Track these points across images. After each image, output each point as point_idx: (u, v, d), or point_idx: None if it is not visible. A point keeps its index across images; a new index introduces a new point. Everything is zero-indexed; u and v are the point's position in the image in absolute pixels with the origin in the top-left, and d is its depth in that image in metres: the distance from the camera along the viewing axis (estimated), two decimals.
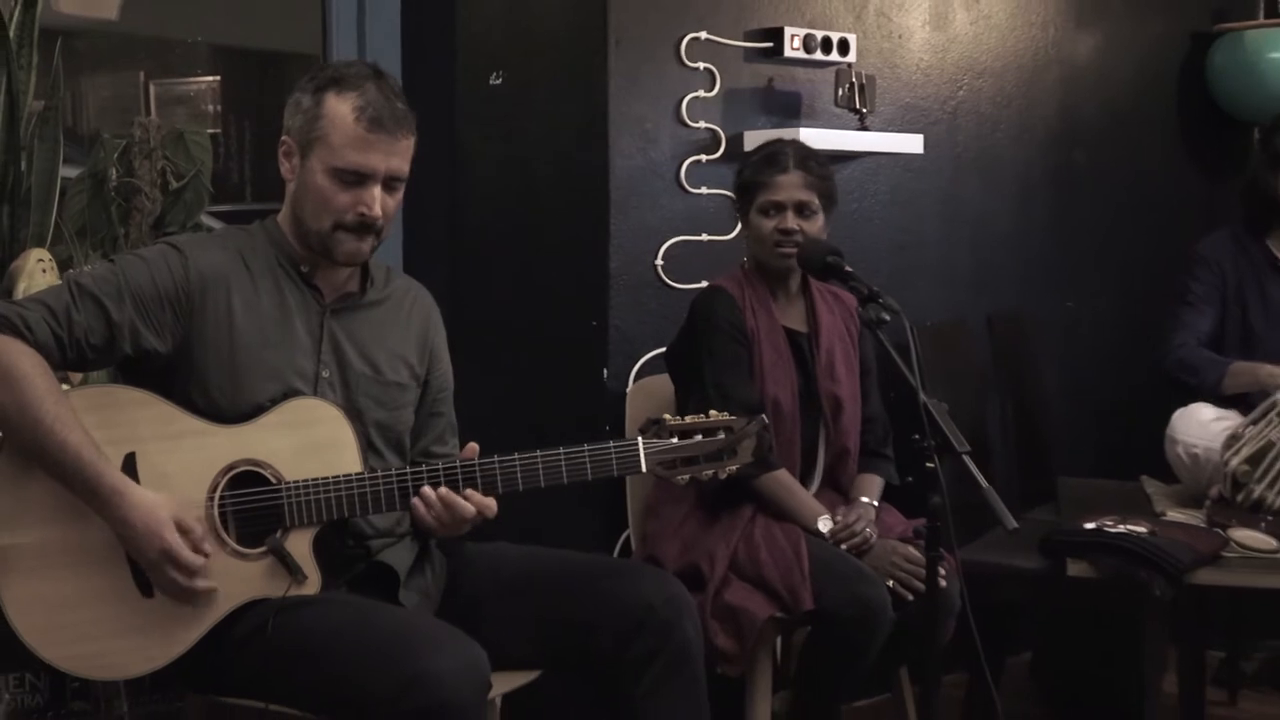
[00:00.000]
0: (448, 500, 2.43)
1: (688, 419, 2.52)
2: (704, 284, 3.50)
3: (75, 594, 2.35)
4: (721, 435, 2.50)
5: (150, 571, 2.34)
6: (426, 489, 2.43)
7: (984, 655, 2.74)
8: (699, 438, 2.50)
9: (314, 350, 2.52)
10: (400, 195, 2.53)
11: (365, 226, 2.47)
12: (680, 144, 3.64)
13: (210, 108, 3.84)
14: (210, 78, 3.86)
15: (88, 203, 3.16)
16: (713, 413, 2.54)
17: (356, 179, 2.45)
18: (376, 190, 2.46)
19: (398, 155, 2.48)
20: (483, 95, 3.73)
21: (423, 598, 2.59)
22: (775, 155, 3.22)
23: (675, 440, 2.49)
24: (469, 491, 2.44)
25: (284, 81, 4.02)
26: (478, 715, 2.34)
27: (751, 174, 3.24)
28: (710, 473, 2.51)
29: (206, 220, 3.27)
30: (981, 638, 2.69)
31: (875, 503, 3.25)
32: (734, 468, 2.52)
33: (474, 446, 2.48)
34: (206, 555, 2.34)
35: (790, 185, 3.18)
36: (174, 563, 2.31)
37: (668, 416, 2.53)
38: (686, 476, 2.50)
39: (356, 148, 2.44)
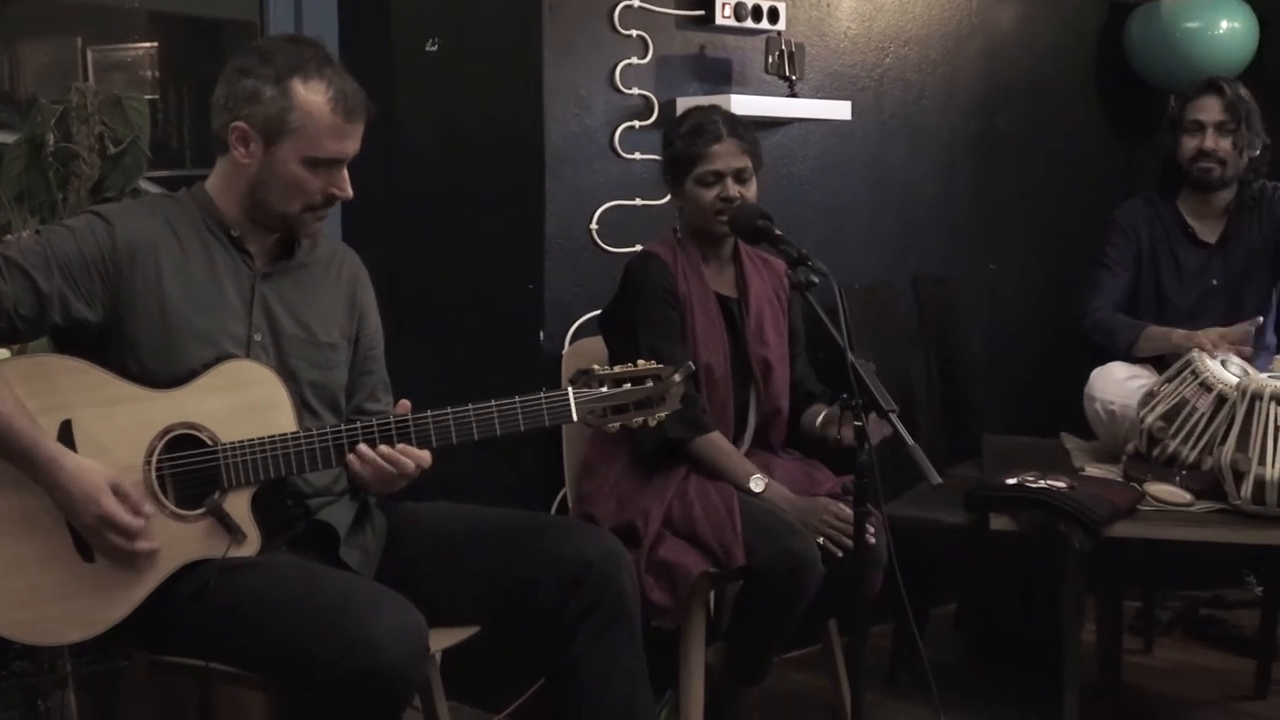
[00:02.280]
0: (387, 455, 2.45)
1: (616, 368, 2.55)
2: (638, 248, 3.53)
3: (15, 561, 2.35)
4: (649, 383, 2.54)
5: (90, 537, 2.35)
6: (362, 447, 2.45)
7: (910, 607, 2.81)
8: (628, 386, 2.54)
9: (245, 314, 2.54)
10: None
11: (329, 204, 2.54)
12: (614, 110, 3.66)
13: (148, 73, 3.80)
14: (148, 44, 3.81)
15: (25, 168, 3.14)
16: (640, 362, 2.57)
17: (330, 164, 2.49)
18: (345, 171, 2.52)
19: (360, 137, 2.54)
20: (418, 62, 3.75)
21: (363, 556, 2.61)
22: (707, 125, 3.22)
23: (605, 389, 2.53)
24: (402, 445, 2.47)
25: (222, 48, 4.01)
26: (416, 677, 2.38)
27: (686, 146, 3.22)
28: (640, 420, 2.54)
29: (146, 185, 3.25)
30: (907, 590, 2.75)
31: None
32: (663, 414, 2.56)
33: (406, 403, 2.52)
34: (146, 517, 2.36)
35: (727, 153, 3.19)
36: (112, 527, 2.33)
37: (597, 367, 2.56)
38: (617, 424, 2.53)
39: (335, 137, 2.48)
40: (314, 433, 2.46)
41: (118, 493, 2.34)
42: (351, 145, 2.52)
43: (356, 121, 2.50)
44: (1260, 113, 3.84)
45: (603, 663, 2.61)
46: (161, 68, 3.82)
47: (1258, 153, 3.84)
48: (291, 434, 2.45)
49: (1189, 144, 3.83)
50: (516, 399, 2.52)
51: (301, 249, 2.64)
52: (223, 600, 2.38)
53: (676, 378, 2.54)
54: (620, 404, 2.53)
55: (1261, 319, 3.62)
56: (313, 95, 2.46)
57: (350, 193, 2.53)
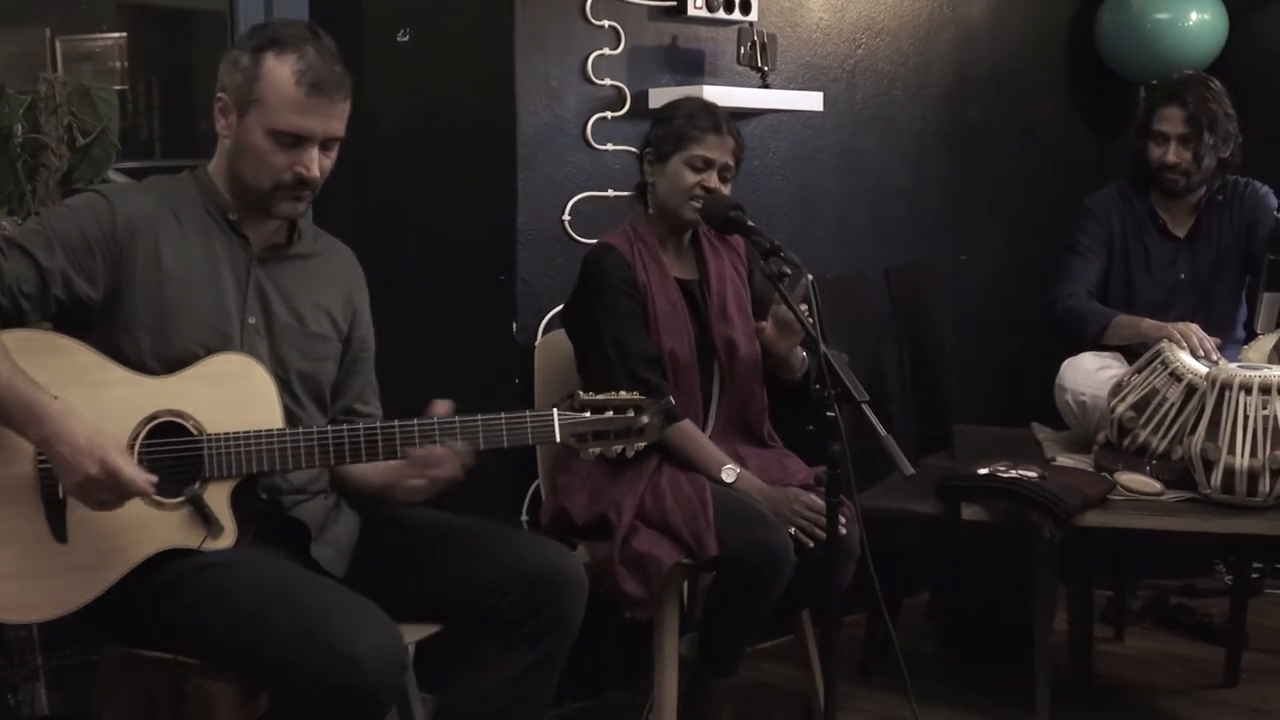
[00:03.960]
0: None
1: (600, 396, 2.56)
2: None
3: None
4: (632, 413, 2.54)
5: (82, 486, 2.28)
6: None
7: (882, 597, 2.82)
8: (610, 414, 2.54)
9: (240, 298, 2.53)
10: (335, 154, 2.53)
11: (302, 185, 2.49)
12: (586, 101, 3.65)
13: (117, 64, 3.78)
14: (117, 34, 3.80)
15: None
16: (624, 392, 2.58)
17: (294, 141, 2.46)
18: (314, 152, 2.48)
19: (335, 118, 2.50)
20: (390, 52, 3.73)
21: (334, 553, 2.59)
22: (710, 113, 3.22)
23: (588, 414, 2.53)
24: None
25: (191, 38, 4.00)
26: (394, 693, 2.37)
27: (685, 125, 3.20)
28: (620, 448, 2.54)
29: (114, 176, 3.24)
30: (880, 580, 2.76)
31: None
32: (642, 444, 2.56)
33: (444, 405, 2.52)
34: (152, 480, 2.32)
35: (724, 147, 3.20)
36: (115, 475, 2.27)
37: (582, 393, 2.56)
38: (597, 450, 2.54)
39: (296, 111, 2.45)
40: (300, 432, 2.45)
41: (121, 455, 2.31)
42: (316, 123, 2.47)
43: (320, 98, 2.46)
44: (1231, 105, 3.83)
45: (497, 676, 2.56)
46: (130, 58, 3.80)
47: (1227, 154, 3.83)
48: (278, 431, 2.44)
49: (1155, 151, 3.84)
50: (502, 415, 2.50)
51: (303, 240, 2.63)
52: (199, 595, 2.36)
53: (659, 409, 2.55)
54: (601, 430, 2.53)
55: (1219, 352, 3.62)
56: (280, 67, 2.45)
57: (315, 172, 2.48)
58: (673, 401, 2.62)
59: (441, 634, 2.65)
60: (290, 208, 2.53)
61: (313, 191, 2.53)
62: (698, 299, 3.31)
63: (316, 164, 2.49)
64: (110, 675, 2.59)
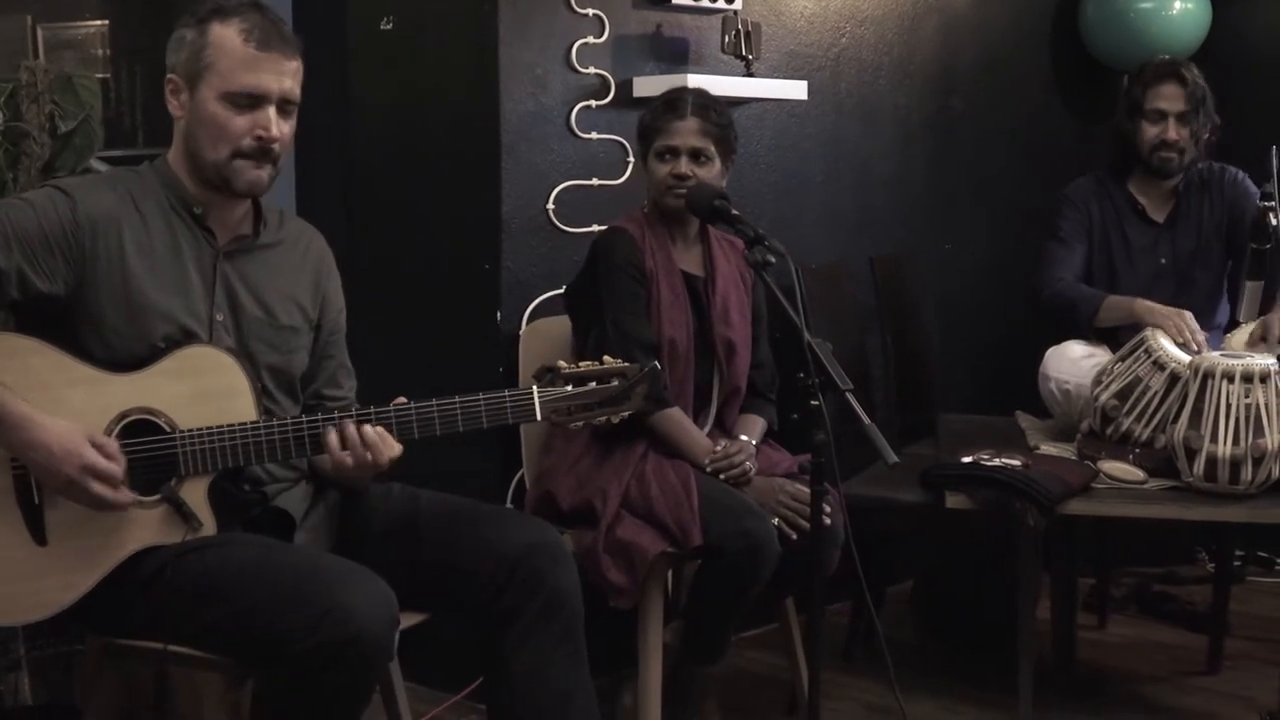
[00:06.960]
0: (370, 440, 2.40)
1: (582, 365, 2.52)
2: (595, 227, 3.53)
3: None
4: (615, 382, 2.51)
5: (69, 491, 2.29)
6: (349, 428, 2.40)
7: (866, 586, 2.81)
8: (593, 385, 2.50)
9: (207, 294, 2.50)
10: (294, 122, 2.50)
11: (263, 152, 2.45)
12: (570, 89, 3.65)
13: (99, 52, 3.77)
14: (98, 21, 3.79)
15: None
16: (607, 359, 2.55)
17: (250, 101, 2.43)
18: (271, 112, 2.44)
19: (289, 76, 2.47)
20: (373, 40, 3.73)
21: (314, 535, 2.59)
22: (674, 102, 3.24)
23: (570, 388, 2.49)
24: (381, 431, 2.42)
25: (173, 26, 3.97)
26: (389, 646, 2.35)
27: (650, 119, 3.25)
28: (604, 418, 2.52)
29: (97, 165, 3.22)
30: (864, 569, 2.75)
31: (755, 442, 3.31)
32: (627, 413, 2.54)
33: (401, 400, 2.47)
34: (123, 467, 2.31)
35: (686, 132, 3.20)
36: (96, 474, 2.28)
37: (562, 364, 2.52)
38: (581, 423, 2.51)
39: (248, 68, 2.42)
40: (274, 423, 2.42)
41: (94, 443, 2.30)
42: (270, 81, 2.44)
43: (270, 53, 2.43)
44: (1210, 93, 3.85)
45: (533, 660, 2.56)
46: (113, 46, 3.79)
47: (1207, 134, 3.85)
48: (251, 423, 2.41)
49: (1150, 131, 3.83)
50: (480, 395, 2.48)
51: (268, 228, 2.60)
52: (185, 579, 2.35)
53: (643, 376, 2.51)
54: (585, 403, 2.50)
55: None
56: (227, 29, 2.43)
57: (276, 134, 2.45)
58: (659, 368, 2.59)
59: (427, 621, 2.65)
60: (254, 178, 2.48)
61: (274, 163, 2.49)
62: (701, 295, 3.31)
63: (276, 125, 2.45)
64: (93, 665, 2.59)
